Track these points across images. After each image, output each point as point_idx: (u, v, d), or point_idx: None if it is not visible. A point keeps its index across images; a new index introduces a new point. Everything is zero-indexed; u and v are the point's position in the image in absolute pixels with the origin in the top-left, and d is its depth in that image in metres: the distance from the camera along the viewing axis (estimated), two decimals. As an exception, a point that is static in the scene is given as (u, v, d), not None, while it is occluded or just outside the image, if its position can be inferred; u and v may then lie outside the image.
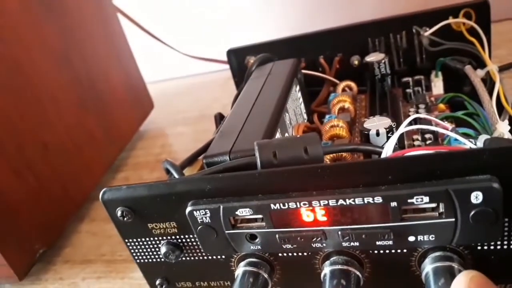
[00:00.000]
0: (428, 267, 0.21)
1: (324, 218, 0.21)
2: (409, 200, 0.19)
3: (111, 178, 0.49)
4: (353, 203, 0.20)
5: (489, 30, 0.37)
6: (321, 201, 0.20)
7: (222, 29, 0.69)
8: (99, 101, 0.48)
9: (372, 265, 0.23)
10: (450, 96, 0.34)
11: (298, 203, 0.21)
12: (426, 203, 0.19)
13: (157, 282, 0.27)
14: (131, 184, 0.24)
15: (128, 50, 0.56)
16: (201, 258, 0.25)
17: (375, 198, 0.20)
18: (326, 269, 0.23)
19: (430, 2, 0.39)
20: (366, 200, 0.20)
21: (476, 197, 0.18)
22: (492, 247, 0.21)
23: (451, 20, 0.37)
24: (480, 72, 0.34)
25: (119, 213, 0.24)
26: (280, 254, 0.24)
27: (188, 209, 0.23)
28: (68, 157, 0.42)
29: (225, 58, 0.44)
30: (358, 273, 0.22)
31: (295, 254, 0.24)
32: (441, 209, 0.19)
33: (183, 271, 0.26)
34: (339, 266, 0.22)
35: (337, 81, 0.40)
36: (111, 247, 0.38)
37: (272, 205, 0.21)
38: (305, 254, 0.23)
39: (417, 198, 0.19)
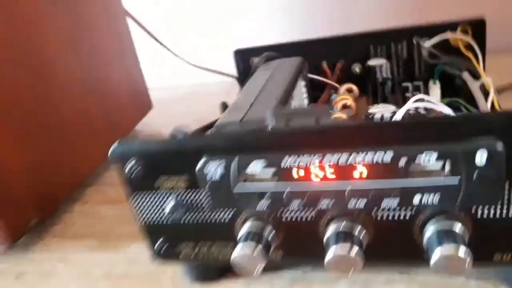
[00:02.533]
0: (431, 231, 0.22)
1: (333, 176, 0.22)
2: (418, 156, 0.20)
3: (107, 168, 0.49)
4: (363, 160, 0.21)
5: (484, 46, 0.39)
6: (332, 158, 0.21)
7: (226, 36, 0.71)
8: (100, 92, 0.49)
9: (375, 232, 0.23)
10: (448, 101, 0.36)
11: (308, 161, 0.22)
12: (432, 162, 0.20)
13: (157, 243, 0.27)
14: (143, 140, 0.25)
15: (132, 50, 0.57)
16: (205, 218, 0.26)
17: (386, 155, 0.21)
18: (330, 232, 0.23)
19: (427, 15, 0.42)
20: (376, 156, 0.21)
21: (481, 157, 0.20)
22: (492, 215, 0.21)
23: (449, 35, 0.40)
24: (476, 83, 0.36)
25: (128, 168, 0.25)
26: (284, 218, 0.24)
27: (200, 164, 0.23)
28: (68, 140, 0.42)
29: (227, 69, 0.45)
30: (361, 237, 0.23)
31: (299, 217, 0.24)
32: (447, 169, 0.20)
33: (184, 232, 0.26)
34: (343, 229, 0.23)
35: (338, 86, 0.42)
36: (105, 227, 0.38)
37: (283, 162, 0.22)
38: (309, 217, 0.24)
39: (426, 154, 0.20)
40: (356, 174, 0.22)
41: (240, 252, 0.23)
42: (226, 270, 0.30)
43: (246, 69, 0.45)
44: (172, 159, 0.24)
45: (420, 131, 0.21)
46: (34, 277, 0.33)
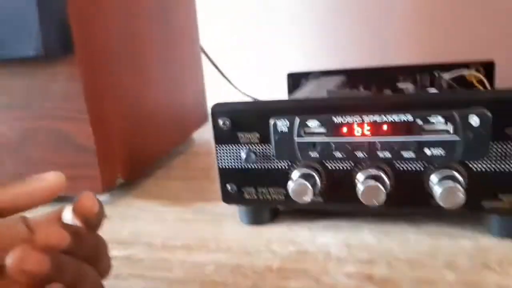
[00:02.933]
0: (436, 177, 0.30)
1: (369, 133, 0.31)
2: (428, 118, 0.29)
3: (174, 157, 0.59)
4: (391, 119, 0.30)
5: (492, 82, 0.49)
6: (369, 117, 0.31)
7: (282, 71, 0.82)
8: (177, 94, 0.60)
9: (396, 178, 0.32)
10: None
11: (350, 120, 0.31)
12: (440, 123, 0.29)
13: (228, 186, 0.36)
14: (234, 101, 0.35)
15: (200, 71, 0.69)
16: (268, 166, 0.35)
17: (407, 116, 0.30)
18: (362, 176, 0.32)
19: (449, 53, 0.52)
20: (400, 117, 0.30)
21: (474, 120, 0.29)
22: (481, 168, 0.30)
23: (465, 72, 0.50)
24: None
25: (221, 122, 0.34)
26: (329, 166, 0.33)
27: (273, 119, 0.33)
28: (152, 124, 0.53)
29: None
30: (385, 178, 0.31)
31: (340, 166, 0.33)
32: (450, 130, 0.29)
33: (250, 178, 0.35)
34: (373, 172, 0.31)
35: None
36: (174, 193, 0.47)
37: (334, 118, 0.31)
38: (348, 167, 0.33)
39: (435, 117, 0.29)
40: (385, 131, 0.31)
41: (296, 182, 0.32)
42: (275, 216, 0.38)
43: (295, 89, 0.56)
44: (252, 118, 0.34)
45: (432, 101, 0.30)
46: (119, 220, 0.42)
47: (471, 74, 0.49)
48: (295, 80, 0.56)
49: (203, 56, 0.71)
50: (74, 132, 0.42)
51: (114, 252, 0.35)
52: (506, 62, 0.54)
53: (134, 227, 0.40)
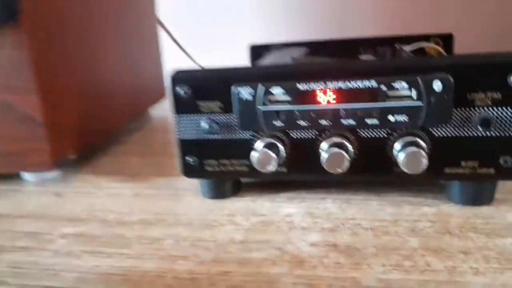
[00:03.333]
0: (400, 144, 0.30)
1: (334, 101, 0.30)
2: (392, 84, 0.29)
3: (129, 129, 0.56)
4: (355, 85, 0.29)
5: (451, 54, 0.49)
6: (333, 84, 0.30)
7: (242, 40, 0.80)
8: (132, 67, 0.57)
9: (360, 146, 0.31)
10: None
11: (317, 85, 0.30)
12: (404, 89, 0.29)
13: (188, 158, 0.35)
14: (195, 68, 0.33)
15: (157, 45, 0.66)
16: (231, 136, 0.33)
17: (371, 82, 0.29)
18: (325, 145, 0.31)
19: (409, 26, 0.52)
20: (364, 83, 0.29)
21: (437, 85, 0.28)
22: (443, 133, 0.30)
23: (424, 44, 0.50)
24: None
25: (180, 90, 0.33)
26: (293, 136, 0.32)
27: (235, 87, 0.31)
28: (106, 95, 0.50)
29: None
30: (349, 146, 0.31)
31: (304, 135, 0.32)
32: (414, 95, 0.29)
33: (211, 149, 0.34)
34: (336, 140, 0.31)
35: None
36: (133, 169, 0.45)
37: (298, 85, 0.30)
38: (312, 135, 0.32)
39: (399, 83, 0.29)
40: (349, 98, 0.30)
41: (259, 151, 0.31)
42: (238, 190, 0.37)
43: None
44: (213, 86, 0.32)
45: (395, 67, 0.29)
46: (72, 196, 0.40)
47: (430, 46, 0.50)
48: (258, 52, 0.55)
49: (160, 29, 0.68)
50: (20, 103, 0.39)
51: (66, 229, 0.33)
52: (464, 34, 0.54)
53: (87, 204, 0.38)
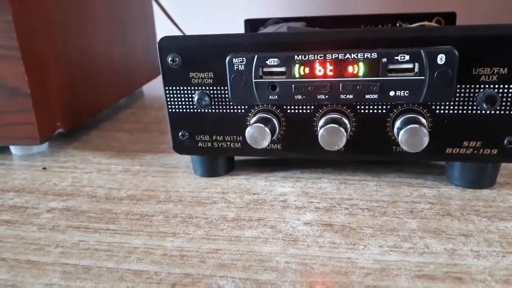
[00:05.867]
0: (400, 121, 0.29)
1: (331, 73, 0.29)
2: (395, 57, 0.27)
3: (121, 108, 0.55)
4: (355, 57, 0.28)
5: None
6: (332, 55, 0.28)
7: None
8: (123, 45, 0.55)
9: (358, 123, 0.30)
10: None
11: (315, 56, 0.29)
12: (406, 61, 0.27)
13: (180, 133, 0.33)
14: (185, 35, 0.31)
15: (152, 22, 0.64)
16: (224, 111, 0.32)
17: (372, 54, 0.28)
18: (322, 122, 0.30)
19: (411, 5, 0.50)
20: (365, 55, 0.28)
21: (441, 59, 0.27)
22: (446, 111, 0.29)
23: (425, 23, 0.48)
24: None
25: (170, 59, 0.31)
26: (288, 110, 0.31)
27: (229, 57, 0.30)
28: (95, 73, 0.48)
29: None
30: (347, 122, 0.29)
31: (301, 109, 0.31)
32: (416, 69, 0.28)
33: (204, 124, 0.33)
34: (334, 116, 0.29)
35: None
36: (121, 145, 0.44)
37: (295, 56, 0.29)
38: (309, 110, 0.30)
39: (401, 56, 0.27)
40: (348, 70, 0.28)
41: (253, 126, 0.29)
42: (231, 168, 0.36)
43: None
44: (205, 55, 0.31)
45: (397, 39, 0.28)
46: (59, 170, 0.38)
47: (431, 24, 0.48)
48: (253, 27, 0.53)
49: (154, 5, 0.66)
50: (4, 73, 0.37)
51: (52, 204, 0.32)
52: (467, 13, 0.53)
53: (75, 178, 0.36)
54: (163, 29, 0.69)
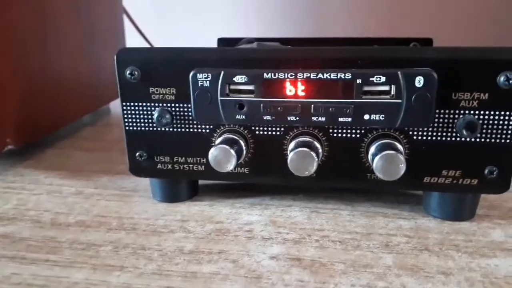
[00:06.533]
0: (374, 147, 0.27)
1: (303, 93, 0.27)
2: (370, 78, 0.25)
3: (85, 124, 0.51)
4: (328, 77, 0.26)
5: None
6: (304, 74, 0.26)
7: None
8: (91, 59, 0.52)
9: (330, 147, 0.28)
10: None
11: (285, 74, 0.26)
12: (382, 83, 0.25)
13: (138, 153, 0.30)
14: (146, 47, 0.29)
15: (122, 35, 0.61)
16: (186, 130, 0.29)
17: (346, 74, 0.26)
18: (292, 145, 0.27)
19: (388, 30, 0.49)
20: (339, 75, 0.26)
21: (419, 81, 0.25)
22: (424, 137, 0.27)
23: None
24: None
25: (128, 72, 0.28)
26: (257, 131, 0.28)
27: (193, 72, 0.27)
28: (58, 86, 0.45)
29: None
30: (318, 146, 0.27)
31: (270, 131, 0.28)
32: (392, 92, 0.26)
33: (164, 144, 0.30)
34: (305, 139, 0.27)
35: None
36: (77, 164, 0.40)
37: (265, 74, 0.27)
38: (278, 132, 0.28)
39: (377, 77, 0.25)
40: (321, 91, 0.26)
41: (217, 148, 0.27)
42: (194, 193, 0.33)
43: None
44: (167, 69, 0.28)
45: (374, 59, 0.26)
46: (3, 190, 0.35)
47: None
48: (226, 46, 0.51)
49: (125, 19, 0.63)
50: None
51: (-14, 229, 0.28)
52: (444, 40, 0.52)
53: (20, 200, 0.33)
54: (133, 43, 0.67)
